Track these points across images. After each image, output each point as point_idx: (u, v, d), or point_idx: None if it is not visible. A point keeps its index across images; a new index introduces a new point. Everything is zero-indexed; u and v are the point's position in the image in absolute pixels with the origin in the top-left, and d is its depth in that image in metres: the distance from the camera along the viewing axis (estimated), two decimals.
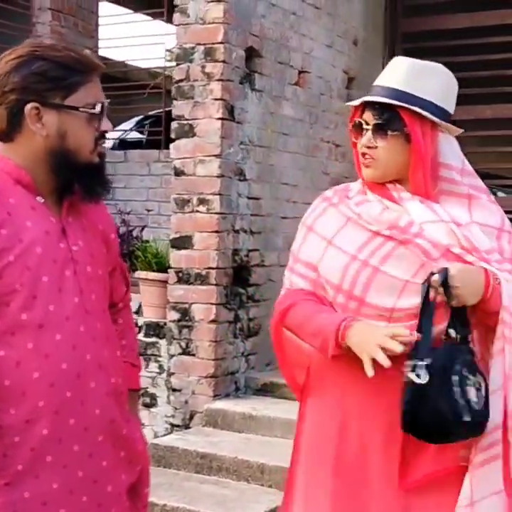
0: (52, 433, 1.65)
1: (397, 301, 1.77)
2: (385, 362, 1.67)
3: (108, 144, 7.45)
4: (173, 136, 4.64)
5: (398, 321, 1.77)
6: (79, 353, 1.69)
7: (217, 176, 4.49)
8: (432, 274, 1.73)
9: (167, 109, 5.44)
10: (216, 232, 4.51)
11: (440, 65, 1.88)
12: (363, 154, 1.85)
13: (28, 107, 1.64)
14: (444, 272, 1.71)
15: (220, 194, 4.50)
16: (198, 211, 4.55)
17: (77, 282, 1.71)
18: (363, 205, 1.86)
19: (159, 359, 4.72)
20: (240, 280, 4.72)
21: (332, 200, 1.93)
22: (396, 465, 1.80)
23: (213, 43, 4.45)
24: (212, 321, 4.54)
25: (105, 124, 1.73)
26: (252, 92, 4.72)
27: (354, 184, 1.95)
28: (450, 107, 1.87)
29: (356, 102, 1.89)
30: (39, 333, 1.65)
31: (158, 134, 6.13)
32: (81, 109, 1.67)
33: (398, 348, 1.68)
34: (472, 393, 1.72)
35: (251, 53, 4.69)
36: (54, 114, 1.66)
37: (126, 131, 7.75)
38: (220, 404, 4.52)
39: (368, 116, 1.84)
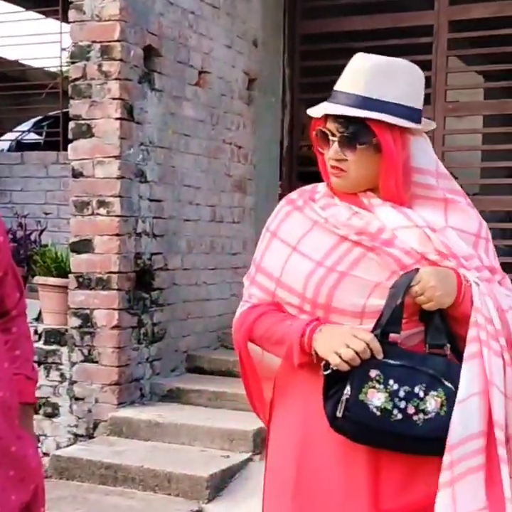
0: None
1: (368, 301, 1.67)
2: (348, 356, 1.60)
3: (4, 145, 7.20)
4: (70, 136, 4.49)
5: (371, 317, 1.67)
6: None
7: (117, 178, 4.37)
8: (405, 274, 1.66)
9: (65, 109, 5.28)
10: (117, 235, 4.38)
11: (402, 60, 1.76)
12: (332, 166, 1.74)
13: None
14: (414, 272, 1.64)
15: (120, 196, 4.38)
16: (98, 214, 4.41)
17: None
18: (331, 208, 1.76)
19: (60, 367, 4.55)
20: (143, 284, 4.61)
21: (296, 202, 1.80)
22: (361, 488, 1.67)
23: (110, 41, 4.33)
24: (115, 327, 4.41)
25: None
26: (152, 92, 4.62)
27: (321, 185, 1.83)
28: (419, 103, 1.76)
29: (317, 113, 1.75)
30: None
31: (57, 136, 5.95)
32: None
33: (360, 347, 1.60)
34: (378, 397, 1.61)
35: (150, 52, 4.58)
36: None
37: (23, 132, 7.51)
38: (125, 413, 4.40)
39: (333, 126, 1.72)
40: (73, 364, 4.50)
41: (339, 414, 1.61)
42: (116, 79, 4.35)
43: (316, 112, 1.75)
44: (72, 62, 4.47)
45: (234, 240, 5.56)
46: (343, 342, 1.62)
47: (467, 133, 6.94)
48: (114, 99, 4.36)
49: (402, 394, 1.61)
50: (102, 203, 4.40)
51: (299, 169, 6.28)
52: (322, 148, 1.76)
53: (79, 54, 4.43)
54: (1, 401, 1.64)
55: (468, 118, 7.00)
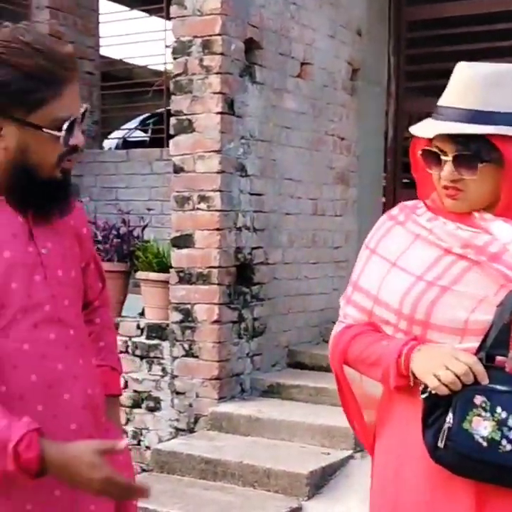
0: None
1: (471, 315, 1.55)
2: (447, 379, 1.48)
3: (111, 143, 7.37)
4: (172, 132, 4.51)
5: (473, 335, 1.55)
6: (49, 363, 1.56)
7: (218, 172, 4.36)
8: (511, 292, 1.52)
9: (169, 107, 5.33)
10: (217, 229, 4.38)
11: (508, 65, 1.63)
12: (446, 187, 1.62)
13: None
14: None
15: (220, 191, 4.37)
16: (198, 209, 4.42)
17: (48, 288, 1.58)
18: (435, 221, 1.66)
19: (162, 361, 4.60)
20: (243, 279, 4.59)
21: (398, 217, 1.72)
22: None
23: (211, 35, 4.32)
24: (216, 322, 4.42)
25: (75, 138, 1.54)
26: (253, 85, 4.58)
27: (422, 203, 1.74)
28: None
29: (426, 133, 1.62)
30: (4, 343, 1.52)
31: (162, 133, 6.01)
32: (45, 130, 1.49)
33: (461, 370, 1.48)
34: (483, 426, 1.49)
35: (250, 45, 4.55)
36: (15, 128, 1.49)
37: (129, 130, 7.66)
38: (225, 407, 4.40)
39: (446, 145, 1.59)
40: (174, 358, 4.54)
41: (440, 444, 1.49)
42: (217, 73, 4.33)
43: (424, 131, 1.63)
44: (174, 58, 4.49)
45: (336, 234, 5.47)
46: (442, 363, 1.50)
47: None
48: (214, 93, 4.35)
49: (511, 423, 1.48)
50: (202, 198, 4.41)
51: (404, 160, 6.10)
52: (430, 168, 1.64)
53: (180, 49, 4.44)
54: (89, 399, 1.63)
55: None
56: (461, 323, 1.55)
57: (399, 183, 6.20)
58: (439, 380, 1.49)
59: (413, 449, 1.59)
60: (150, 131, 7.44)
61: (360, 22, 5.61)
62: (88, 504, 1.61)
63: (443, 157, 1.60)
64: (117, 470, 1.68)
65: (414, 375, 1.56)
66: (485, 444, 1.47)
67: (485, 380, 1.49)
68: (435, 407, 1.52)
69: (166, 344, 4.59)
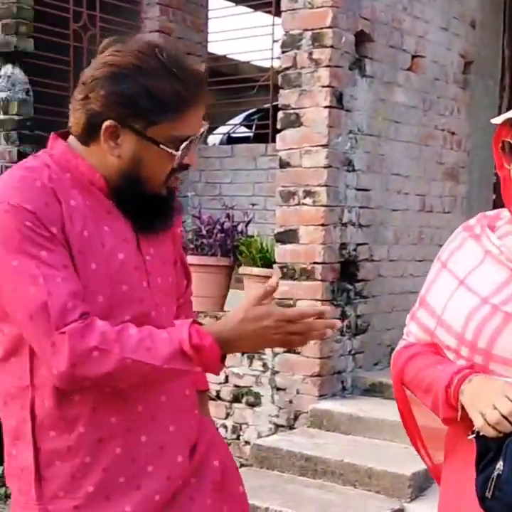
0: (125, 452, 1.52)
1: None
2: (492, 419, 1.33)
3: (216, 139, 7.43)
4: (279, 126, 4.49)
5: None
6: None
7: (324, 167, 4.31)
8: None
9: (275, 102, 5.32)
10: (322, 225, 4.33)
11: None
12: None
13: (106, 123, 1.47)
14: None
15: (326, 186, 4.32)
16: (303, 204, 4.38)
17: (152, 295, 1.57)
18: (509, 237, 1.51)
19: (263, 357, 4.59)
20: (347, 275, 4.53)
21: (474, 229, 1.57)
22: None
23: (321, 28, 4.27)
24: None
25: (189, 157, 1.53)
26: (362, 79, 4.51)
27: (506, 211, 1.57)
28: None
29: (499, 119, 1.49)
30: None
31: (266, 128, 6.01)
32: (161, 146, 1.48)
33: (508, 409, 1.32)
34: None
35: (361, 38, 4.47)
36: (132, 138, 1.49)
37: (234, 126, 7.70)
38: (326, 405, 4.35)
39: None
40: (275, 354, 4.52)
41: (488, 493, 1.34)
42: (326, 66, 4.28)
43: (498, 120, 1.49)
44: (283, 52, 4.46)
45: (444, 231, 5.31)
46: (491, 401, 1.35)
47: None
48: (323, 87, 4.30)
49: None
50: (308, 193, 4.37)
51: None
52: (509, 163, 1.49)
53: (290, 43, 4.41)
54: (186, 399, 1.62)
55: None
56: None
57: None
58: (485, 419, 1.35)
59: (469, 497, 1.42)
60: (254, 126, 7.44)
61: (474, 14, 5.43)
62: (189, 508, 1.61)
63: None
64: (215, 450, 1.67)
65: (463, 408, 1.42)
66: None
67: None
68: (486, 450, 1.37)
69: None
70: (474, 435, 1.37)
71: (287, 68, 4.42)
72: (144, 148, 1.49)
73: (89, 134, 1.51)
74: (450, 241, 1.62)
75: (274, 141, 4.90)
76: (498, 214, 1.58)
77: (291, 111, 4.39)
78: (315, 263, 4.35)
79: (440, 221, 5.29)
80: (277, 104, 4.57)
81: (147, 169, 1.50)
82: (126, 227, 1.55)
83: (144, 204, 1.54)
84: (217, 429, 1.83)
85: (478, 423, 1.36)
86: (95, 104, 1.47)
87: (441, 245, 5.54)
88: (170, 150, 1.48)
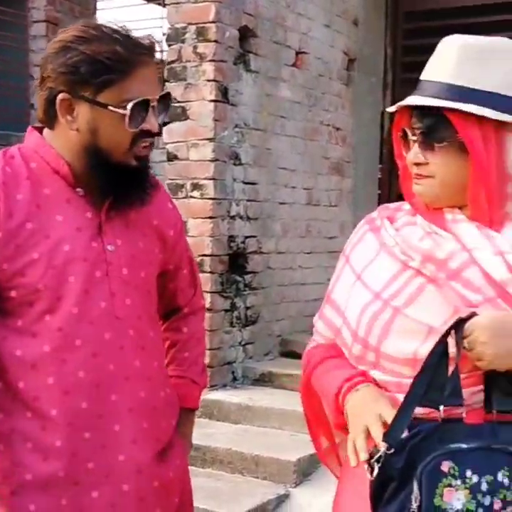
0: (66, 445, 1.52)
1: (421, 347, 1.34)
2: (361, 455, 1.29)
3: None
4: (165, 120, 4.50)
5: None
6: (100, 362, 1.53)
7: (211, 160, 4.36)
8: (460, 320, 1.30)
9: None
10: (210, 218, 4.38)
11: (506, 40, 1.40)
12: (413, 173, 1.45)
13: (59, 97, 1.50)
14: (462, 320, 1.30)
15: (214, 179, 4.37)
16: (191, 197, 4.42)
17: (107, 285, 1.55)
18: (405, 228, 1.47)
19: None
20: (236, 267, 4.60)
21: (375, 222, 1.52)
22: None
23: (205, 22, 4.31)
24: (208, 310, 4.40)
25: (148, 123, 1.52)
26: (247, 73, 4.58)
27: (407, 204, 1.54)
28: None
29: (392, 108, 1.46)
30: (58, 336, 1.51)
31: None
32: (110, 108, 1.49)
33: (378, 438, 1.28)
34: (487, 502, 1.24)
35: (245, 33, 4.54)
36: (86, 108, 1.50)
37: None
38: (217, 395, 4.41)
39: (415, 123, 1.42)
40: None
41: None
42: (211, 60, 4.33)
43: (391, 109, 1.47)
44: (169, 45, 4.48)
45: (331, 224, 5.47)
46: (364, 422, 1.31)
47: None
48: (208, 81, 4.34)
49: (484, 487, 1.24)
50: (195, 186, 4.41)
51: None
52: (406, 151, 1.46)
53: (175, 36, 4.43)
54: (143, 402, 1.58)
55: None
56: (410, 354, 1.36)
57: (395, 174, 6.19)
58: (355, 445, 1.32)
59: None
60: None
61: (357, 11, 5.59)
62: None
63: (411, 137, 1.43)
64: (171, 486, 1.64)
65: None
66: None
67: (379, 445, 1.28)
68: (388, 478, 1.27)
69: None
70: (376, 472, 1.27)
71: (173, 61, 4.44)
72: (97, 115, 1.50)
73: (49, 114, 1.54)
74: (353, 234, 1.57)
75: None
76: (400, 206, 1.55)
77: (178, 104, 4.42)
78: (204, 255, 4.39)
79: (327, 214, 5.43)
80: None
81: (105, 137, 1.51)
82: (83, 217, 1.55)
83: (112, 176, 1.53)
84: (186, 456, 1.76)
85: (348, 449, 1.33)
86: (48, 81, 1.51)
87: (329, 238, 5.69)
88: (119, 110, 1.49)
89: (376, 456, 1.27)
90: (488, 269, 1.34)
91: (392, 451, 1.26)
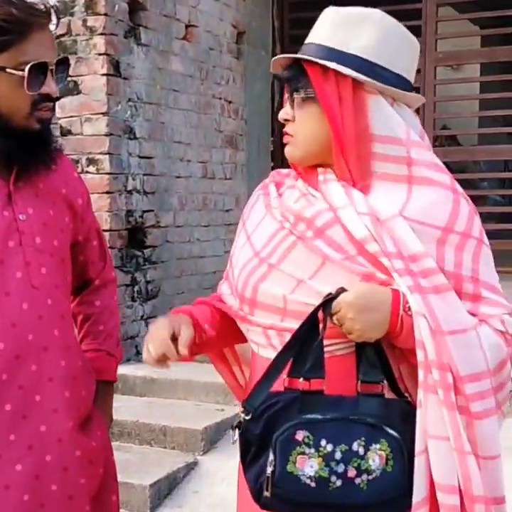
0: None
1: (290, 295, 1.41)
2: (147, 359, 1.44)
3: None
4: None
5: (293, 317, 1.41)
6: (19, 332, 1.52)
7: (106, 135, 4.33)
8: (329, 297, 1.35)
9: None
10: (107, 192, 4.36)
11: (379, 11, 1.45)
12: (284, 132, 1.48)
13: None
14: (331, 298, 1.34)
15: (109, 153, 4.35)
16: (87, 172, 4.38)
17: (21, 254, 1.54)
18: (286, 191, 1.53)
19: None
20: (135, 242, 4.60)
21: (268, 186, 1.57)
22: None
23: None
24: None
25: (47, 86, 1.52)
26: (138, 47, 4.55)
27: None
28: (395, 64, 1.42)
29: (271, 67, 1.50)
30: None
31: None
32: (8, 70, 1.48)
33: (150, 355, 1.43)
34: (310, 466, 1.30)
35: (135, 6, 4.51)
36: None
37: None
38: (121, 370, 4.26)
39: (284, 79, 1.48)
40: None
41: (267, 493, 1.30)
42: (101, 34, 4.28)
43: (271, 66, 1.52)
44: (57, 18, 4.39)
45: (226, 197, 5.53)
46: (151, 336, 1.45)
47: (458, 82, 6.83)
48: (100, 54, 4.30)
49: (338, 455, 1.30)
50: (91, 161, 4.37)
51: None
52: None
53: (63, 9, 4.34)
54: (64, 371, 1.58)
55: (467, 67, 6.88)
56: (280, 301, 1.42)
57: None
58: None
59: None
60: None
61: None
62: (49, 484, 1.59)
63: (285, 97, 1.48)
64: (95, 457, 1.66)
65: None
66: (313, 484, 1.29)
67: (184, 352, 1.43)
68: (248, 445, 1.34)
69: None
70: (236, 437, 1.35)
71: (62, 35, 4.36)
72: None
73: None
74: (250, 198, 1.62)
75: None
76: (289, 172, 1.58)
77: (69, 78, 4.33)
78: (103, 230, 4.35)
79: (222, 187, 5.49)
80: None
81: (5, 102, 1.50)
82: None
83: (15, 141, 1.52)
84: (107, 428, 1.77)
85: (145, 358, 1.45)
86: None
87: (225, 210, 5.74)
88: (17, 72, 1.48)
89: (236, 422, 1.34)
90: (350, 228, 1.39)
91: (249, 417, 1.33)
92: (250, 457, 1.34)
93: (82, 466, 1.63)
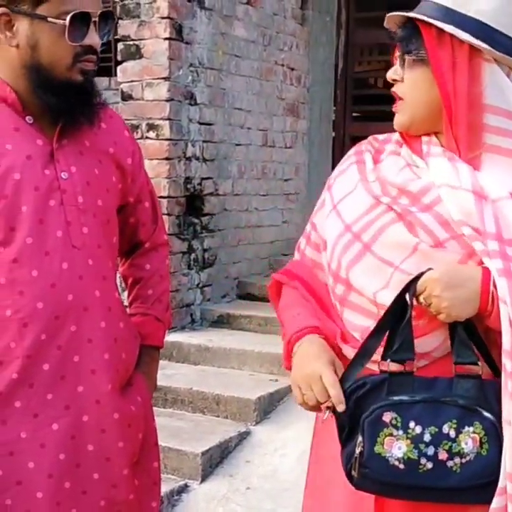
0: (23, 377, 1.49)
1: (381, 292, 1.35)
2: (309, 401, 1.34)
3: None
4: (119, 57, 4.40)
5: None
6: (58, 293, 1.50)
7: (166, 100, 4.29)
8: (416, 277, 1.31)
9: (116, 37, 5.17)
10: (167, 159, 4.33)
11: None
12: (393, 92, 1.42)
13: None
14: (417, 276, 1.30)
15: (169, 119, 4.31)
16: (147, 137, 4.35)
17: (62, 214, 1.51)
18: (386, 160, 1.44)
19: None
20: (193, 209, 4.57)
21: (363, 154, 1.49)
22: None
23: None
24: None
25: (90, 38, 1.48)
26: (201, 11, 4.48)
27: (397, 134, 1.49)
28: None
29: (386, 22, 1.43)
30: (13, 268, 1.47)
31: (109, 61, 5.85)
32: (49, 20, 1.45)
33: (321, 396, 1.32)
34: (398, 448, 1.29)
35: None
36: (25, 23, 1.46)
37: None
38: (176, 337, 4.42)
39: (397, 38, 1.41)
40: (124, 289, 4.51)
41: (354, 473, 1.31)
42: None
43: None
44: None
45: (286, 166, 5.45)
46: (308, 379, 1.34)
47: None
48: (162, 18, 4.24)
49: (427, 438, 1.28)
50: (151, 126, 4.34)
51: (354, 93, 6.09)
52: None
53: None
54: (103, 333, 1.56)
55: None
56: (371, 294, 1.37)
57: (349, 116, 6.19)
58: (304, 400, 1.35)
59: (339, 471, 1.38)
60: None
61: None
62: (86, 443, 1.57)
63: (396, 54, 1.41)
64: (134, 421, 1.63)
65: None
66: (402, 466, 1.28)
67: (340, 407, 1.31)
68: (341, 423, 1.34)
69: None
70: (326, 416, 1.34)
71: None
72: (37, 28, 1.46)
73: None
74: (341, 162, 1.54)
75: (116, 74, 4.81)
76: (390, 136, 1.50)
77: (131, 42, 4.31)
78: (161, 197, 4.34)
79: (282, 156, 5.41)
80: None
81: (46, 52, 1.47)
82: (33, 145, 1.50)
83: (58, 93, 1.49)
84: (150, 394, 1.73)
85: (298, 399, 1.36)
86: None
87: (284, 180, 5.68)
88: (59, 21, 1.45)
89: (326, 404, 1.34)
90: (450, 208, 1.33)
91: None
92: (344, 437, 1.34)
93: (121, 430, 1.60)
